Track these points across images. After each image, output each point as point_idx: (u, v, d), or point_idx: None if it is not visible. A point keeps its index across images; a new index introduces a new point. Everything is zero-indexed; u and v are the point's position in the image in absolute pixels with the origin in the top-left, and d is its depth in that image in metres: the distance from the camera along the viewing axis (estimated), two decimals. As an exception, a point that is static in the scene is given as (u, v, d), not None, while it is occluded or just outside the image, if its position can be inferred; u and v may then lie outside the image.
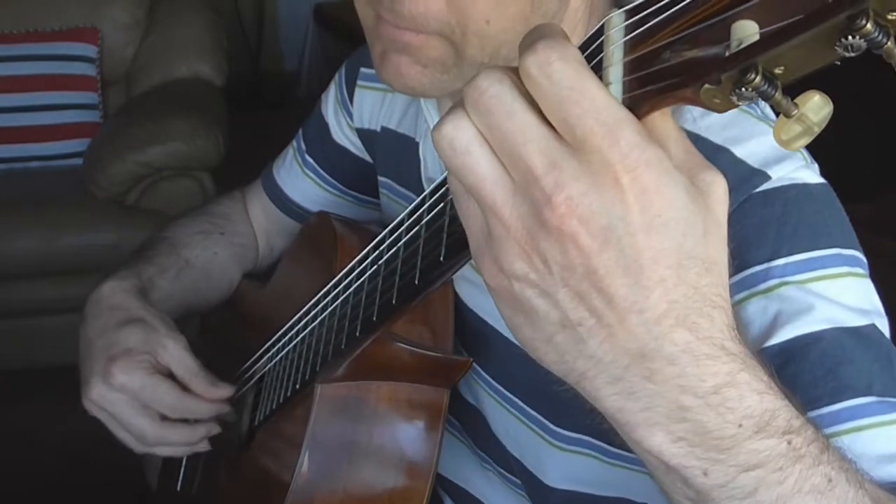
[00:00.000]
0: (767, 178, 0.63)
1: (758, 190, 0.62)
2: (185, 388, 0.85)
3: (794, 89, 0.36)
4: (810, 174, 0.65)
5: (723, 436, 0.40)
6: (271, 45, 4.02)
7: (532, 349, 0.43)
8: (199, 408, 0.85)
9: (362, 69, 0.95)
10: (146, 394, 0.82)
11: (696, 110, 0.66)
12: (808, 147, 0.45)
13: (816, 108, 0.36)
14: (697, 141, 0.65)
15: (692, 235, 0.38)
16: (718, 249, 0.40)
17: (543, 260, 0.39)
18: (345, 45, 2.85)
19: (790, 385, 0.56)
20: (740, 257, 0.61)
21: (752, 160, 0.63)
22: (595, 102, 0.37)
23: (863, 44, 0.31)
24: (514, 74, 0.39)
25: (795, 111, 0.36)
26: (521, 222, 0.39)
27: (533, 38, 0.39)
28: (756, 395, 0.41)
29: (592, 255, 0.38)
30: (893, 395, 0.58)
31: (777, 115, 0.37)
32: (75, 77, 2.51)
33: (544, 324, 0.41)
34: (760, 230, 0.61)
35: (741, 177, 0.63)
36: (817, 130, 0.36)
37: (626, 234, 0.37)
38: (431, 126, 0.82)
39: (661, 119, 0.41)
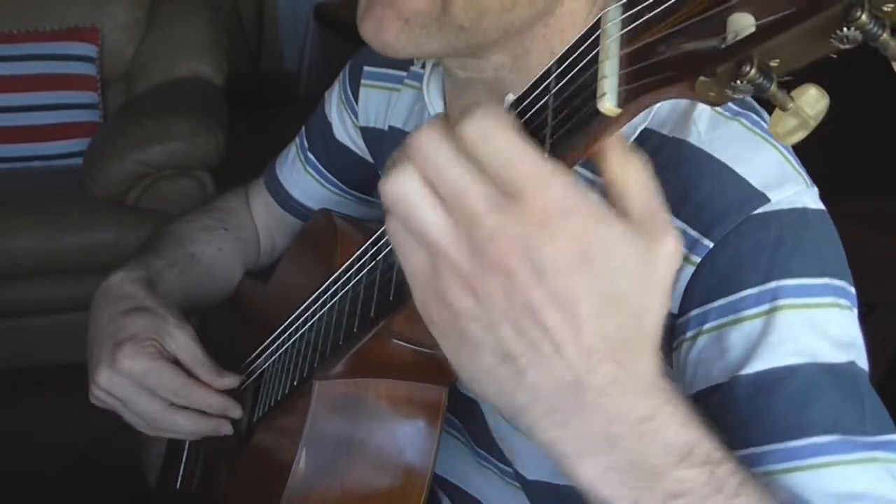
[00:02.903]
0: (767, 200, 0.63)
1: (756, 212, 0.63)
2: (192, 376, 0.85)
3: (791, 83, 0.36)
4: (810, 199, 0.65)
5: (650, 465, 0.44)
6: (271, 44, 4.01)
7: (474, 383, 0.45)
8: (204, 396, 0.85)
9: (366, 68, 0.95)
10: (150, 378, 0.83)
11: (701, 125, 0.66)
12: (804, 144, 0.45)
13: (812, 101, 0.36)
14: (702, 158, 0.65)
15: (627, 282, 0.42)
16: (654, 301, 0.43)
17: (487, 294, 0.42)
18: (345, 45, 2.85)
19: (758, 415, 0.59)
20: (733, 279, 0.62)
21: (754, 180, 0.64)
22: (529, 159, 0.41)
23: (858, 36, 0.32)
24: (452, 133, 0.43)
25: (791, 104, 0.36)
26: (467, 261, 0.43)
27: (470, 109, 0.43)
28: (679, 427, 0.44)
29: (528, 290, 0.41)
30: (859, 434, 0.59)
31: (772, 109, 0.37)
32: (75, 77, 2.51)
33: (487, 357, 0.44)
34: (755, 254, 0.62)
35: (741, 197, 0.63)
36: (813, 124, 0.36)
37: (557, 272, 0.41)
38: None
39: (627, 170, 0.43)
